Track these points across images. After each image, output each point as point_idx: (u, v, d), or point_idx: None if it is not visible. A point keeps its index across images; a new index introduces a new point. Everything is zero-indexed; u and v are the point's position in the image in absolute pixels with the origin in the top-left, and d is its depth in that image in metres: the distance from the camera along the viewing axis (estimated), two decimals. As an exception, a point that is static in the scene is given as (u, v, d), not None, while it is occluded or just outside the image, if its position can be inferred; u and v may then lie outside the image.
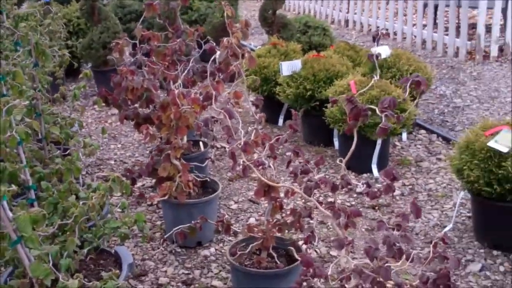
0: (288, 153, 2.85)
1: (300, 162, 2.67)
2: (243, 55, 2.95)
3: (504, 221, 3.55)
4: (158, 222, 4.28)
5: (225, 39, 2.96)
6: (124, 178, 2.80)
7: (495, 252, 3.59)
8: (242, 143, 2.54)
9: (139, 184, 4.86)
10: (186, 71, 4.32)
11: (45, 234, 2.18)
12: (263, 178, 2.65)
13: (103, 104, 4.17)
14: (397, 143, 5.27)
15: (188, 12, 8.21)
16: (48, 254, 2.06)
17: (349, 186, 2.54)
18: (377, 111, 2.42)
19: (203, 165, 4.43)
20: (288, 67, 5.30)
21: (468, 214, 4.00)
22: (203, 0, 8.35)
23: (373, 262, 1.98)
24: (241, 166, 2.43)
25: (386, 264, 1.95)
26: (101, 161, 5.49)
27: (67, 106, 4.63)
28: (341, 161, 2.62)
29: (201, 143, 4.77)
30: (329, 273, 2.18)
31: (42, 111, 3.31)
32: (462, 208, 4.08)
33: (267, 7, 6.99)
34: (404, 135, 5.32)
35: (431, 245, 2.04)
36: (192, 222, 3.32)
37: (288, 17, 7.32)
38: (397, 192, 4.37)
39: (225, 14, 3.15)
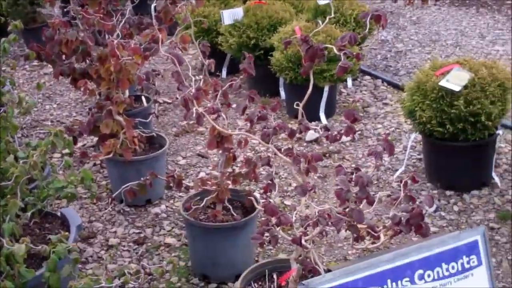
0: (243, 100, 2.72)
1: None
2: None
3: (457, 161, 3.55)
4: (103, 182, 4.09)
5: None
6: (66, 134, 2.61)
7: (448, 193, 3.61)
8: (193, 91, 2.38)
9: (79, 144, 4.63)
10: (122, 23, 4.09)
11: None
12: (217, 127, 2.51)
13: (36, 61, 3.91)
14: (343, 90, 5.21)
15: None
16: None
17: (306, 131, 2.44)
18: (335, 50, 2.31)
19: (147, 120, 4.24)
20: (229, 16, 5.11)
21: (419, 157, 4.00)
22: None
23: (345, 204, 1.89)
24: (194, 114, 2.28)
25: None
26: (37, 122, 5.20)
27: (4, 61, 4.33)
28: (297, 105, 2.50)
29: (143, 98, 4.56)
30: (293, 219, 2.08)
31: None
32: (412, 151, 4.07)
33: (202, -45, 6.70)
34: (350, 82, 5.26)
35: (401, 185, 1.96)
36: (141, 179, 3.16)
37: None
38: (346, 139, 4.32)
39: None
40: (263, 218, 2.37)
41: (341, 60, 2.24)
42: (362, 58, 4.13)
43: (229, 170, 3.09)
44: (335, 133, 2.35)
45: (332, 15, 2.96)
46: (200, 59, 3.38)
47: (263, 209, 2.16)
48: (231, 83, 2.64)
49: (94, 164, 4.29)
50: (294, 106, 2.47)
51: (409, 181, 2.03)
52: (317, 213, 2.01)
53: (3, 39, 3.23)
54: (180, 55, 2.50)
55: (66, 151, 3.72)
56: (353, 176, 2.07)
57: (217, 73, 5.37)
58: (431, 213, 3.41)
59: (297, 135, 2.53)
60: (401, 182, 2.07)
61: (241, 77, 3.11)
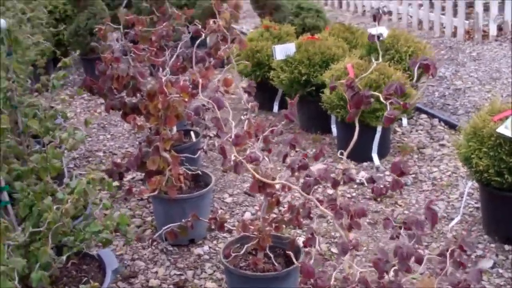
0: (284, 146, 2.62)
1: (296, 151, 2.44)
2: (233, 40, 2.69)
3: (516, 213, 3.33)
4: (149, 218, 4.06)
5: (211, 21, 2.71)
6: (106, 176, 2.58)
7: (507, 247, 3.37)
8: (233, 136, 2.30)
9: (129, 177, 4.65)
10: (174, 57, 4.08)
11: (15, 243, 1.95)
12: (257, 175, 2.42)
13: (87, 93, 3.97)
14: (397, 128, 5.04)
15: (178, -4, 7.92)
16: (14, 269, 1.83)
17: (350, 181, 2.31)
18: (381, 98, 2.19)
19: (195, 156, 4.20)
20: (281, 51, 5.05)
21: (477, 205, 3.78)
22: (193, -17, 8.04)
23: (383, 276, 1.76)
24: (232, 162, 2.20)
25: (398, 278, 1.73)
26: (90, 152, 5.26)
27: (53, 97, 4.40)
28: (341, 153, 2.39)
29: (192, 133, 4.54)
30: (332, 282, 1.95)
31: (18, 103, 3.06)
32: (469, 198, 3.86)
33: (258, -11, 6.71)
34: (405, 121, 5.09)
35: (447, 252, 1.80)
36: (183, 220, 3.09)
37: (280, -1, 7.04)
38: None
39: (212, -4, 2.89)
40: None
41: (387, 110, 2.12)
42: (410, 108, 3.98)
43: (275, 212, 2.99)
44: (381, 186, 2.22)
45: (380, 53, 2.83)
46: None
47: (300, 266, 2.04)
48: (272, 129, 2.55)
49: (141, 199, 4.27)
50: (339, 154, 2.36)
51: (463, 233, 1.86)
52: (358, 276, 1.88)
53: (52, 75, 3.27)
54: (220, 99, 2.44)
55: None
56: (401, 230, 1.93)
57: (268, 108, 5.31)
58: (488, 270, 3.18)
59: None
60: (438, 238, 1.91)
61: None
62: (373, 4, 9.10)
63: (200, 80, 2.65)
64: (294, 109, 2.60)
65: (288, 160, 2.38)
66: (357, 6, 9.58)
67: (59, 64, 3.27)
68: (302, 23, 7.06)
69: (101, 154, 5.22)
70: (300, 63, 4.94)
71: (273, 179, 2.71)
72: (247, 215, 3.93)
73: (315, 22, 7.11)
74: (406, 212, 3.85)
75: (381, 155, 4.52)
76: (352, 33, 5.65)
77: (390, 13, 8.66)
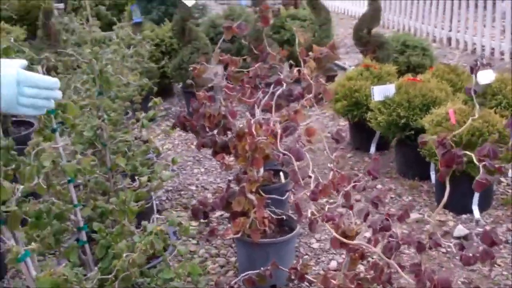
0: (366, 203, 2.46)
1: (392, 197, 2.27)
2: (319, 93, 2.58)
3: None
4: (233, 258, 3.99)
5: (295, 70, 2.62)
6: (184, 219, 2.54)
7: None
8: (311, 189, 2.18)
9: (217, 213, 4.63)
10: (268, 95, 4.03)
11: (83, 291, 1.94)
12: (335, 234, 2.28)
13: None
14: (502, 179, 4.68)
15: (280, 32, 7.96)
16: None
17: (437, 246, 2.12)
18: (474, 159, 2.00)
19: (283, 197, 4.10)
20: (380, 92, 4.88)
21: None
22: (296, 19, 8.06)
23: None
24: (307, 219, 2.08)
25: None
26: (183, 186, 5.31)
27: (147, 132, 4.50)
28: (438, 201, 2.20)
29: (281, 174, 4.44)
30: None
31: (110, 138, 3.13)
32: None
33: (361, 26, 6.57)
34: (511, 171, 4.73)
35: None
36: (261, 268, 3.00)
37: (385, 36, 6.86)
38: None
39: (298, 41, 2.81)
40: None
41: (480, 173, 1.92)
42: (506, 171, 3.68)
43: (360, 267, 2.83)
44: (470, 255, 2.01)
45: (477, 106, 2.61)
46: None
47: None
48: (355, 185, 2.40)
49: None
50: (438, 208, 2.17)
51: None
52: None
53: (143, 114, 3.31)
54: (300, 151, 2.33)
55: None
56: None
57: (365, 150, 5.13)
58: None
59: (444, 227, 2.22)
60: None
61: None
62: (484, 42, 8.69)
63: (279, 131, 2.52)
64: (378, 164, 2.44)
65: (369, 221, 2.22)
66: (467, 44, 9.20)
67: (150, 104, 3.31)
68: (407, 61, 6.86)
69: (193, 188, 5.26)
70: (399, 106, 4.74)
71: (356, 233, 2.56)
72: (333, 265, 3.77)
73: (421, 60, 6.89)
74: (505, 273, 3.52)
75: (483, 208, 4.21)
76: (457, 75, 5.37)
77: (489, 64, 8.22)
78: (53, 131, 2.30)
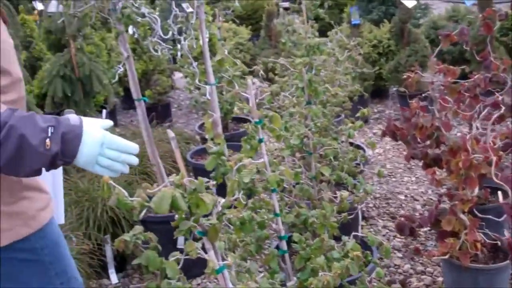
0: None
1: None
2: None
3: None
4: (440, 278, 3.76)
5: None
6: (383, 239, 2.43)
7: None
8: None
9: (425, 227, 4.41)
10: (487, 107, 3.71)
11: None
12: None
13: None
14: None
15: (509, 34, 7.32)
16: None
17: None
18: None
19: (500, 219, 3.74)
20: None
21: None
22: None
23: None
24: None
25: None
26: (391, 194, 5.16)
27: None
28: None
29: (499, 192, 4.06)
30: None
31: (312, 149, 3.13)
32: None
33: None
34: None
35: None
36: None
37: None
38: None
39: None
40: None
41: None
42: None
43: None
44: None
45: None
46: None
47: None
48: None
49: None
50: None
51: None
52: None
53: (349, 125, 3.26)
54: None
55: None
56: None
57: None
58: None
59: None
60: None
61: None
62: None
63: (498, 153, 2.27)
64: None
65: None
66: None
67: (357, 115, 3.24)
68: None
69: (402, 197, 5.09)
70: None
71: None
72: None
73: None
74: None
75: None
76: None
77: None
78: (260, 141, 2.34)
